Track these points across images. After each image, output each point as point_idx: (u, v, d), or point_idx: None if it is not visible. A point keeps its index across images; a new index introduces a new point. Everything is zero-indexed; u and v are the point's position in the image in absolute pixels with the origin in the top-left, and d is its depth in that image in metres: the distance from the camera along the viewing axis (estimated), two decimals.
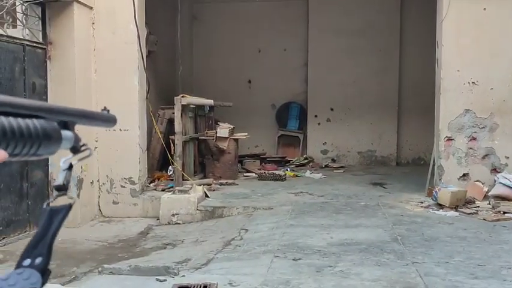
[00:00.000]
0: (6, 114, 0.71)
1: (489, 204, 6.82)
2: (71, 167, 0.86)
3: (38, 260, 0.80)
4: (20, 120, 0.73)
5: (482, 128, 7.24)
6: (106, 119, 0.98)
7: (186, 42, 12.08)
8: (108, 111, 0.99)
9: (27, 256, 0.80)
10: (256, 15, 12.46)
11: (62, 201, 0.85)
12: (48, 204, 0.84)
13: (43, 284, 0.78)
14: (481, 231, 5.68)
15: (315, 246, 5.06)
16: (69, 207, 0.85)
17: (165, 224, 7.13)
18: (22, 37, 6.77)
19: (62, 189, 0.84)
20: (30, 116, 0.75)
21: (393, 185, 8.92)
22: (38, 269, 0.79)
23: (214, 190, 8.33)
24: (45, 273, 0.79)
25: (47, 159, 7.12)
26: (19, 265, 0.79)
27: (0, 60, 6.17)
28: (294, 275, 4.21)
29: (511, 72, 7.22)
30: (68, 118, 0.85)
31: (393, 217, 6.36)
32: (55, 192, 0.85)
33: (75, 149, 0.87)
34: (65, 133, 0.83)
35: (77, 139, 0.86)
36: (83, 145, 0.88)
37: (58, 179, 0.85)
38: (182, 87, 11.32)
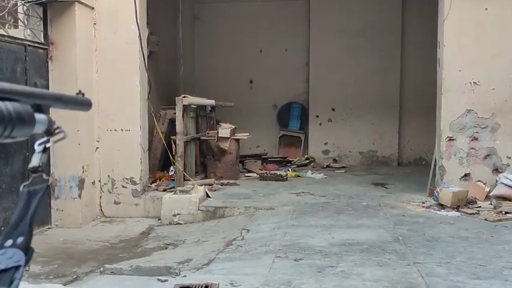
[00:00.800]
0: None
1: (491, 204, 6.81)
2: (45, 149, 0.87)
3: (20, 240, 0.82)
4: None
5: (483, 128, 7.23)
6: (80, 103, 0.99)
7: (187, 42, 12.09)
8: (83, 94, 0.99)
9: (9, 237, 0.82)
10: (257, 16, 12.47)
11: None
12: (25, 186, 0.86)
13: (27, 261, 0.81)
14: (482, 232, 5.67)
15: (316, 247, 5.06)
16: (46, 187, 0.87)
17: (167, 224, 7.13)
18: (23, 37, 6.78)
19: (37, 171, 0.86)
20: (3, 99, 0.76)
21: (395, 185, 8.91)
22: (20, 247, 0.81)
23: (215, 190, 8.33)
24: (28, 251, 0.82)
25: (48, 160, 7.13)
26: (1, 246, 0.81)
27: (2, 61, 6.18)
28: (295, 275, 4.21)
29: None
30: (42, 101, 0.86)
31: (395, 217, 6.36)
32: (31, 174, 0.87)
33: (49, 132, 0.88)
34: (39, 116, 0.84)
35: (50, 122, 0.87)
36: (57, 128, 0.89)
37: (33, 161, 0.86)
38: (183, 88, 11.31)
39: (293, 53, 12.58)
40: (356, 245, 5.09)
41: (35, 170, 0.86)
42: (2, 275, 0.78)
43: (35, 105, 0.84)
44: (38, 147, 0.87)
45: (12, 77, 6.38)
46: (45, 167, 0.87)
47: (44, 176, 0.87)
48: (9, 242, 0.82)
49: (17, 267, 0.79)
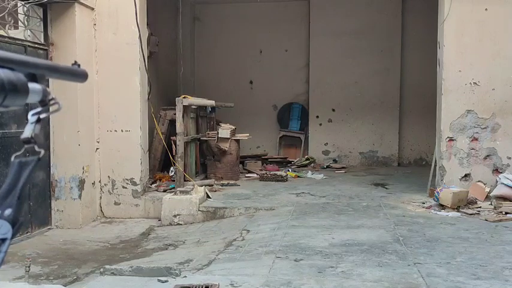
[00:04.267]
0: None
1: (491, 204, 6.81)
2: (39, 120, 0.85)
3: (8, 211, 0.80)
4: None
5: (484, 128, 7.23)
6: (75, 73, 0.97)
7: (187, 43, 12.10)
8: (79, 65, 0.98)
9: None
10: (257, 16, 12.47)
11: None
12: (16, 156, 0.84)
13: (14, 234, 0.79)
14: (482, 232, 5.67)
15: (316, 247, 5.06)
16: (38, 159, 0.85)
17: (167, 225, 7.13)
18: (24, 38, 6.78)
19: (29, 141, 0.84)
20: None
21: (395, 186, 8.91)
22: (8, 219, 0.79)
23: (215, 191, 8.33)
24: (15, 224, 0.80)
25: (48, 161, 7.13)
26: None
27: None
28: (295, 276, 4.21)
29: None
30: (36, 70, 0.84)
31: (395, 218, 6.36)
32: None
33: (44, 103, 0.86)
34: (33, 86, 0.82)
35: (45, 92, 0.85)
36: (52, 99, 0.87)
37: (25, 131, 0.84)
38: (183, 88, 11.34)
39: (293, 54, 12.58)
40: (356, 246, 5.09)
41: (27, 140, 0.84)
42: None
43: (29, 74, 0.82)
44: (31, 118, 0.85)
45: None
46: (38, 138, 0.85)
47: (36, 148, 0.85)
48: None
49: (3, 240, 0.78)
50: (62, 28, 7.12)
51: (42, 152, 0.85)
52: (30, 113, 0.85)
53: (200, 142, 9.52)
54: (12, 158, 0.84)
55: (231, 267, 4.66)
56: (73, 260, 5.70)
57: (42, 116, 0.85)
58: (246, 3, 12.35)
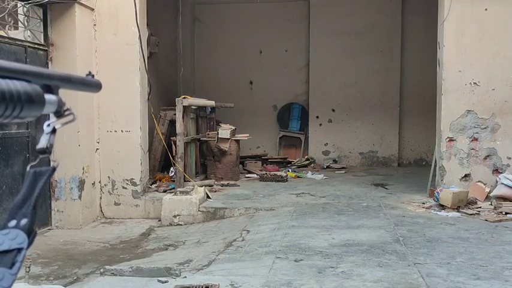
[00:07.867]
0: None
1: (491, 205, 6.81)
2: (54, 130, 0.86)
3: (24, 221, 0.81)
4: (2, 82, 0.73)
5: (484, 128, 7.23)
6: (90, 84, 0.98)
7: (187, 43, 12.10)
8: (93, 76, 0.99)
9: (13, 217, 0.81)
10: (257, 17, 12.47)
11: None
12: (32, 166, 0.85)
13: (29, 244, 0.80)
14: (483, 232, 5.67)
15: (316, 247, 5.06)
16: (53, 169, 0.86)
17: (167, 225, 7.13)
18: (24, 39, 6.78)
19: (45, 152, 0.85)
20: (12, 78, 0.75)
21: (395, 186, 8.91)
22: (23, 229, 0.80)
23: (215, 191, 8.33)
24: (31, 234, 0.81)
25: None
26: (5, 226, 0.80)
27: None
28: (295, 276, 4.21)
29: None
30: (52, 82, 0.85)
31: (395, 218, 6.36)
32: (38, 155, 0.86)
33: (59, 113, 0.87)
34: (49, 97, 0.83)
35: (60, 103, 0.86)
36: (67, 109, 0.88)
37: (41, 142, 0.85)
38: (183, 88, 11.35)
39: (293, 54, 12.58)
40: (356, 246, 5.09)
41: (42, 151, 0.85)
42: (4, 256, 0.77)
43: (45, 85, 0.83)
44: (46, 128, 0.85)
45: None
46: (53, 149, 0.86)
47: (51, 158, 0.86)
48: (13, 222, 0.80)
49: (19, 250, 0.78)
50: (61, 28, 7.12)
51: (57, 162, 0.86)
52: (46, 123, 0.86)
53: (200, 142, 9.52)
54: (28, 168, 0.85)
55: (231, 267, 4.66)
56: (73, 261, 5.71)
57: (57, 126, 0.86)
58: (246, 3, 12.35)
